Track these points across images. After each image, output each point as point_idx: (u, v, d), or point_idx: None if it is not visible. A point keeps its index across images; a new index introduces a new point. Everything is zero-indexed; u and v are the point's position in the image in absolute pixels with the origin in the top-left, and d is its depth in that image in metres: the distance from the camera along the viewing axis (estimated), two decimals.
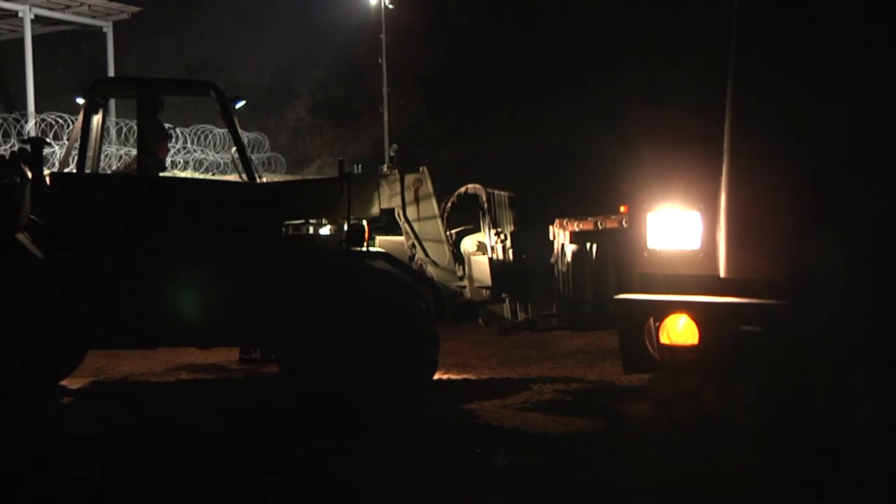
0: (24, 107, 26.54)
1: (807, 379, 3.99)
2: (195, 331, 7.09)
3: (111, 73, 29.45)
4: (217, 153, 29.34)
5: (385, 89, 29.75)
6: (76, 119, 8.10)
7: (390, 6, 31.56)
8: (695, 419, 4.34)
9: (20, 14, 26.78)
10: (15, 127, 25.27)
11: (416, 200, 7.77)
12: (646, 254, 4.31)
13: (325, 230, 7.91)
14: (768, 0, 4.13)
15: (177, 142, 28.12)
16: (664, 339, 4.09)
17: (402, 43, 31.51)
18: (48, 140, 7.35)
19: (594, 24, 24.93)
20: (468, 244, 8.04)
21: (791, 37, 4.01)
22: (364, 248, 7.36)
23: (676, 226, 4.23)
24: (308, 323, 6.83)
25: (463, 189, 8.30)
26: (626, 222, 6.94)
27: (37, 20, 27.58)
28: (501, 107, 27.91)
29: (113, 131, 27.83)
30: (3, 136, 25.24)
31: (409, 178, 7.80)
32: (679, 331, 4.05)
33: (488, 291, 7.80)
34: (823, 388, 3.97)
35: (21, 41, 27.29)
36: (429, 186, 7.78)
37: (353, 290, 6.95)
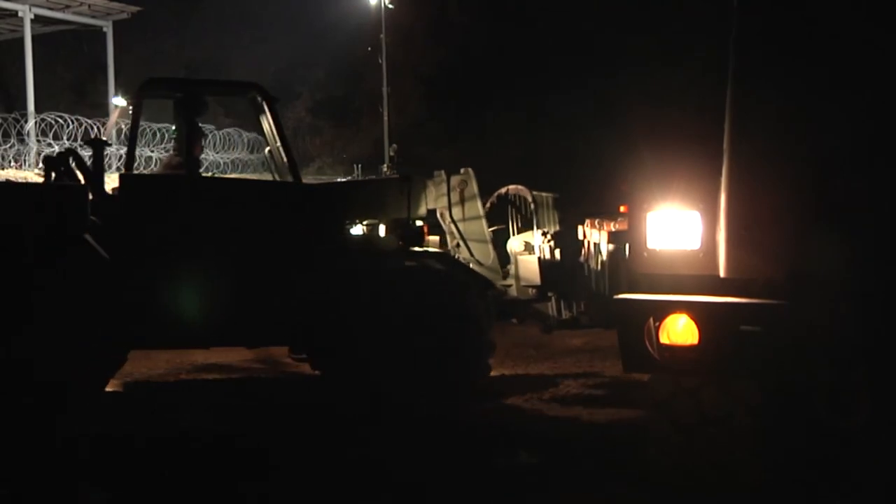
0: (24, 107, 26.53)
1: (807, 379, 3.99)
2: (246, 331, 7.10)
3: (111, 73, 29.47)
4: (217, 153, 29.35)
5: (385, 89, 29.74)
6: (108, 119, 8.13)
7: (390, 6, 31.55)
8: (695, 419, 4.34)
9: (20, 14, 26.77)
10: (15, 127, 25.27)
11: (461, 201, 7.93)
12: (646, 254, 4.31)
13: (380, 230, 7.92)
14: (768, 0, 4.13)
15: None
16: (664, 339, 4.09)
17: (402, 43, 31.52)
18: (106, 140, 7.21)
19: (594, 24, 24.92)
20: (515, 244, 8.19)
21: (791, 37, 4.01)
22: (424, 249, 7.41)
23: (676, 226, 4.22)
24: (362, 324, 6.82)
25: (503, 190, 8.48)
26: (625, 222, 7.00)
27: (37, 20, 27.57)
28: (501, 106, 27.93)
29: (112, 131, 27.84)
30: (3, 136, 25.25)
31: (455, 180, 7.96)
32: (679, 331, 4.05)
33: (534, 290, 7.91)
34: (823, 388, 3.97)
35: (21, 41, 27.29)
36: (473, 187, 7.94)
37: (411, 291, 6.94)
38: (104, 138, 8.19)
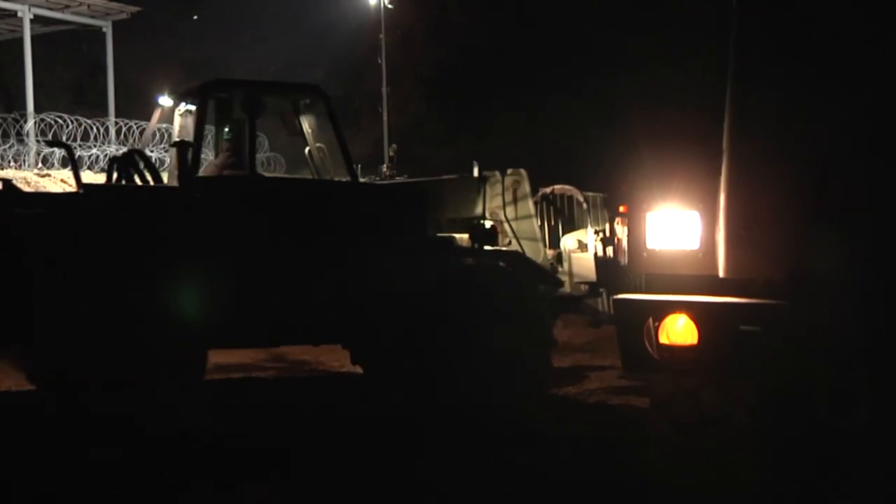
0: (24, 107, 26.53)
1: (807, 379, 3.99)
2: (318, 330, 7.14)
3: (110, 73, 29.47)
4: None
5: (385, 89, 29.75)
6: (150, 121, 8.22)
7: (390, 6, 31.54)
8: (695, 419, 4.33)
9: (20, 14, 26.77)
10: (14, 127, 25.27)
11: (514, 200, 8.10)
12: (645, 254, 4.31)
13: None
14: (768, 0, 4.13)
15: None
16: (664, 339, 4.09)
17: (402, 43, 31.52)
18: (187, 140, 7.18)
19: (594, 24, 24.92)
20: (568, 242, 8.45)
21: (791, 37, 4.01)
22: (496, 248, 7.51)
23: (676, 226, 4.22)
24: (433, 323, 6.86)
25: (548, 189, 8.69)
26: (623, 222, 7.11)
27: (36, 20, 27.57)
28: (501, 106, 27.94)
29: (112, 131, 27.84)
30: (3, 136, 25.25)
31: (508, 180, 8.16)
32: (678, 331, 4.05)
33: (586, 286, 8.10)
34: (823, 388, 3.96)
35: (21, 41, 27.28)
36: (526, 187, 8.17)
37: (483, 291, 7.01)
38: (145, 138, 8.28)
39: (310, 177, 8.01)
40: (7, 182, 6.96)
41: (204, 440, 6.07)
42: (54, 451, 5.84)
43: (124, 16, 29.53)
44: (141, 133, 27.62)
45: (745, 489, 4.19)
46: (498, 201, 8.07)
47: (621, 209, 7.42)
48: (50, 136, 25.21)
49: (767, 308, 3.93)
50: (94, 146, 26.48)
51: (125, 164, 7.26)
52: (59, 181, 24.27)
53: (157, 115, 8.18)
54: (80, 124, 25.97)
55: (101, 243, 6.45)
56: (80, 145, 25.92)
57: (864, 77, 3.87)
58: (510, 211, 8.10)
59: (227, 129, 7.52)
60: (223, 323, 6.67)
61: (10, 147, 25.20)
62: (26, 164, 25.48)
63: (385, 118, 29.41)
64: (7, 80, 33.61)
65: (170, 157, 7.44)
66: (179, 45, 37.12)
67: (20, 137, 25.48)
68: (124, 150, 7.24)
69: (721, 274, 4.06)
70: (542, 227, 8.59)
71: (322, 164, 7.77)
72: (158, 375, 6.43)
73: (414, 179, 8.73)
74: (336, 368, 9.07)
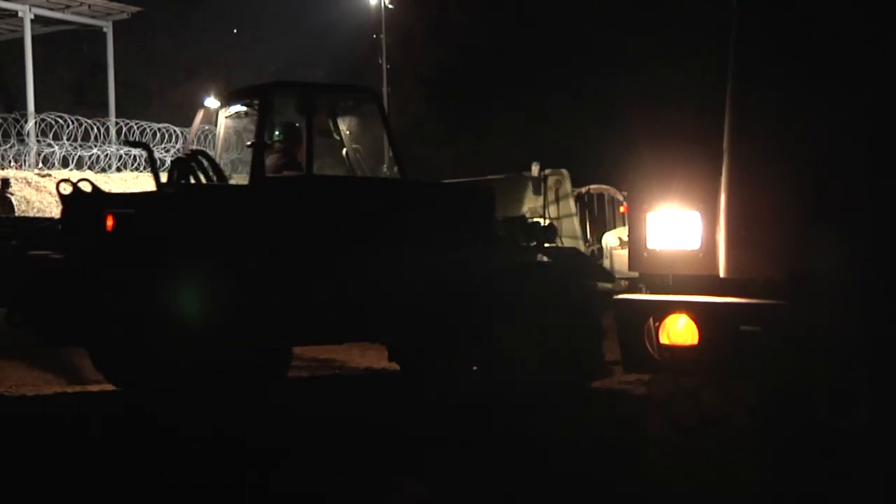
0: (24, 107, 26.55)
1: (807, 379, 3.99)
2: (384, 327, 7.35)
3: (111, 73, 29.50)
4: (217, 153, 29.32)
5: (385, 89, 29.74)
6: (194, 123, 8.32)
7: (390, 6, 31.54)
8: (695, 419, 4.33)
9: (20, 14, 26.80)
10: (15, 127, 25.27)
11: (556, 200, 8.29)
12: (646, 254, 4.31)
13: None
14: (768, 0, 4.13)
15: (176, 141, 28.15)
16: (664, 339, 4.09)
17: (402, 43, 31.51)
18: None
19: (594, 24, 24.93)
20: (610, 239, 8.69)
21: (791, 37, 4.01)
22: (554, 245, 7.71)
23: (676, 226, 4.22)
24: (493, 318, 6.99)
25: (584, 189, 8.92)
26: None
27: (37, 20, 27.59)
28: (501, 106, 27.94)
29: (113, 131, 27.84)
30: (3, 136, 25.25)
31: (551, 179, 8.42)
32: (679, 331, 4.05)
33: (626, 282, 8.31)
34: (823, 388, 3.96)
35: (21, 41, 27.31)
36: (567, 186, 8.41)
37: (542, 287, 7.18)
38: (190, 139, 8.37)
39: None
40: (89, 182, 7.26)
41: (205, 439, 6.07)
42: (56, 451, 5.85)
43: (125, 16, 29.55)
44: (141, 133, 27.62)
45: (745, 489, 4.18)
46: (541, 200, 8.29)
47: (622, 209, 7.51)
48: (50, 136, 25.24)
49: (768, 308, 3.93)
50: (95, 146, 26.48)
51: (189, 164, 7.32)
52: (60, 181, 24.28)
53: (199, 116, 8.30)
54: (80, 124, 25.98)
55: (197, 240, 6.59)
56: (80, 145, 25.96)
57: (864, 77, 3.87)
58: (552, 210, 8.37)
59: (282, 130, 7.66)
60: (309, 319, 6.85)
61: (10, 147, 25.21)
62: (27, 164, 25.49)
63: None
64: (7, 80, 33.62)
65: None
66: (179, 45, 37.11)
67: (21, 137, 25.49)
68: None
69: (721, 274, 4.06)
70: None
71: (357, 165, 7.95)
72: (251, 371, 6.58)
73: (466, 180, 8.95)
74: (361, 367, 9.14)
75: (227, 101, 8.19)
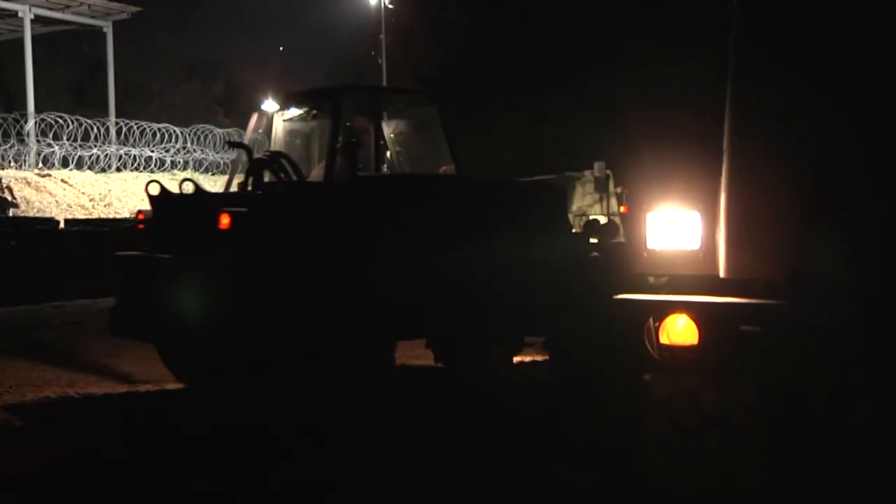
0: (24, 107, 26.57)
1: (807, 379, 3.99)
2: (490, 326, 7.46)
3: (111, 73, 29.52)
4: (217, 153, 29.37)
5: None
6: (249, 126, 8.45)
7: (390, 6, 31.55)
8: (695, 419, 4.33)
9: (20, 14, 26.82)
10: (15, 127, 25.29)
11: (601, 199, 8.49)
12: (646, 254, 4.31)
13: None
14: (768, 0, 4.13)
15: (176, 141, 28.17)
16: (664, 339, 4.09)
17: (402, 43, 31.51)
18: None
19: (594, 24, 24.93)
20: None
21: (791, 37, 4.01)
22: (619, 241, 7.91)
23: (676, 226, 4.22)
24: (577, 314, 7.09)
25: (617, 189, 9.07)
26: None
27: (37, 20, 27.61)
28: (501, 106, 27.94)
29: (113, 131, 27.85)
30: (3, 136, 25.26)
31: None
32: (679, 331, 4.05)
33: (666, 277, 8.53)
34: (823, 388, 3.97)
35: (21, 41, 27.33)
36: (611, 186, 8.51)
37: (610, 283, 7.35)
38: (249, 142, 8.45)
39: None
40: (193, 182, 7.34)
41: (206, 438, 6.07)
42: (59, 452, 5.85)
43: (125, 16, 29.57)
44: (142, 133, 27.63)
45: (745, 489, 4.19)
46: (588, 199, 8.45)
47: (622, 210, 7.55)
48: (50, 136, 25.26)
49: (767, 308, 3.94)
50: (95, 146, 26.49)
51: (272, 164, 7.42)
52: (60, 181, 24.31)
53: (254, 119, 8.38)
54: (80, 124, 26.00)
55: (308, 236, 6.78)
56: (80, 145, 25.97)
57: (864, 77, 3.87)
58: (598, 209, 8.58)
59: (345, 132, 7.82)
60: (408, 314, 7.00)
61: (10, 147, 25.22)
62: (27, 164, 25.50)
63: None
64: (7, 80, 33.63)
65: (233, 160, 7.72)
66: (179, 45, 37.11)
67: (21, 137, 25.50)
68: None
69: (721, 274, 4.06)
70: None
71: (400, 167, 8.09)
72: (357, 363, 6.80)
73: (525, 179, 9.15)
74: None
75: (285, 104, 8.33)
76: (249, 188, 7.46)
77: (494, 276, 7.25)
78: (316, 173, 7.66)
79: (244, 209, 6.64)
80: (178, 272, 6.83)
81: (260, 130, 8.39)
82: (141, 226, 7.64)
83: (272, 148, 8.07)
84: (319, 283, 6.65)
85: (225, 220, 6.52)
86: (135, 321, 7.29)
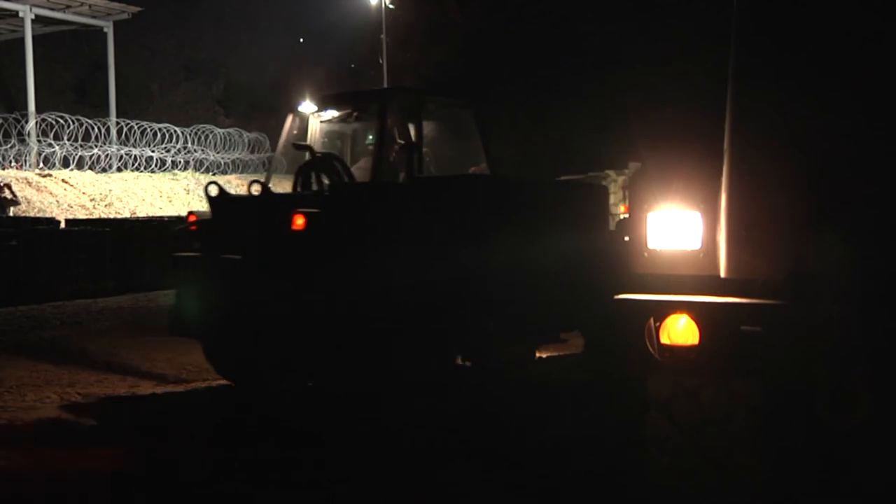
0: (25, 107, 26.56)
1: (807, 379, 3.99)
2: (536, 322, 7.68)
3: (111, 73, 29.52)
4: (217, 153, 29.38)
5: None
6: (284, 128, 8.54)
7: (390, 6, 31.55)
8: (695, 419, 4.34)
9: (20, 14, 26.82)
10: (15, 127, 25.28)
11: (625, 198, 8.64)
12: (646, 254, 4.31)
13: None
14: (768, 0, 4.13)
15: (177, 141, 28.17)
16: (664, 339, 4.09)
17: (402, 43, 31.51)
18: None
19: (595, 24, 24.93)
20: None
21: (791, 36, 4.01)
22: None
23: (676, 226, 4.22)
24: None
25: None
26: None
27: (37, 20, 27.62)
28: (501, 107, 27.93)
29: (113, 131, 27.85)
30: (4, 136, 25.26)
31: (622, 179, 8.69)
32: (679, 331, 4.05)
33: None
34: (823, 388, 3.97)
35: (21, 41, 27.33)
36: None
37: None
38: (282, 144, 8.53)
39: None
40: (260, 183, 7.46)
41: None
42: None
43: (125, 16, 29.57)
44: (142, 133, 27.63)
45: (745, 489, 4.19)
46: (612, 199, 8.51)
47: (622, 210, 7.56)
48: (51, 136, 25.26)
49: (768, 308, 3.94)
50: (95, 146, 26.50)
51: (324, 165, 7.51)
52: (60, 181, 24.31)
53: (290, 121, 8.44)
54: (80, 124, 25.99)
55: (378, 233, 6.93)
56: (80, 145, 25.97)
57: (865, 77, 3.87)
58: (622, 208, 8.69)
59: (370, 136, 8.08)
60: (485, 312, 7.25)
61: (11, 147, 25.22)
62: (27, 164, 25.50)
63: None
64: (7, 80, 33.62)
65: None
66: (179, 45, 37.11)
67: (21, 137, 25.50)
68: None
69: (722, 274, 4.06)
70: None
71: (426, 168, 8.13)
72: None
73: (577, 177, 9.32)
74: None
75: (324, 106, 8.43)
76: (299, 189, 7.61)
77: (546, 272, 7.43)
78: (358, 174, 7.76)
79: (316, 210, 6.75)
80: (250, 273, 6.93)
81: (294, 132, 8.46)
82: (193, 227, 7.71)
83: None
84: (410, 281, 6.82)
85: (299, 221, 6.64)
86: (196, 321, 7.37)
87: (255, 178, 7.67)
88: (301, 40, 33.33)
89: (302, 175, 7.59)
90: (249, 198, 7.66)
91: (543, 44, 27.34)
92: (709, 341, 4.00)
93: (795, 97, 3.97)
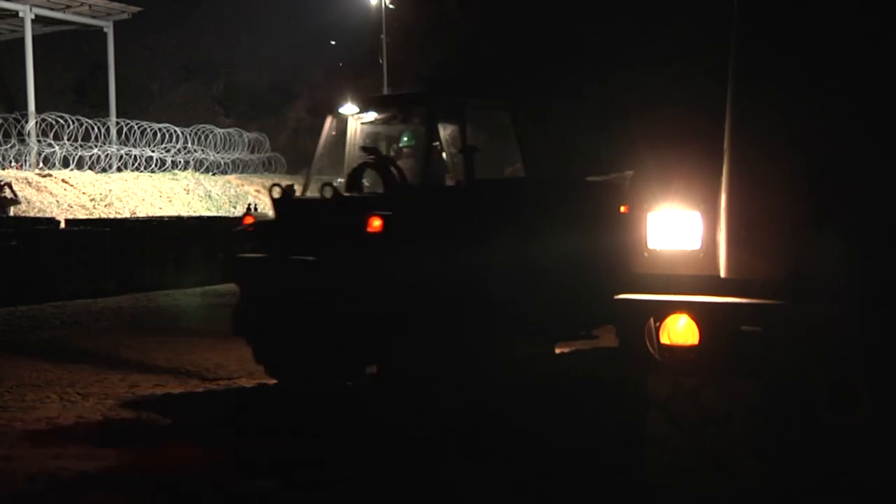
0: (25, 107, 26.56)
1: (807, 379, 3.99)
2: (576, 322, 7.91)
3: (111, 73, 29.51)
4: (217, 153, 29.38)
5: (385, 89, 29.74)
6: (323, 130, 8.52)
7: (390, 6, 31.56)
8: (695, 419, 4.34)
9: (20, 14, 26.82)
10: (15, 127, 25.29)
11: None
12: (646, 254, 4.31)
13: None
14: (768, 0, 4.13)
15: (177, 141, 28.17)
16: (664, 339, 4.09)
17: (402, 43, 31.52)
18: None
19: (595, 24, 24.93)
20: None
21: (791, 36, 4.01)
22: None
23: (677, 226, 4.22)
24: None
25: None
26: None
27: (37, 20, 27.61)
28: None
29: (113, 131, 27.85)
30: (4, 136, 25.26)
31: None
32: (679, 331, 4.05)
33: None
34: (823, 388, 3.97)
35: (21, 41, 27.32)
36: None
37: None
38: (321, 147, 8.57)
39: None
40: (332, 186, 7.44)
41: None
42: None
43: (125, 16, 29.56)
44: (142, 133, 27.63)
45: (745, 489, 4.19)
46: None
47: (622, 210, 7.53)
48: (51, 136, 25.26)
49: (768, 308, 3.94)
50: (95, 146, 26.50)
51: (379, 168, 7.59)
52: (60, 181, 24.30)
53: (329, 122, 8.50)
54: (80, 124, 25.99)
55: (451, 234, 7.12)
56: (80, 145, 25.97)
57: (865, 76, 3.87)
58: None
59: (412, 136, 8.13)
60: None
61: (11, 147, 25.22)
62: (27, 164, 25.50)
63: None
64: (7, 80, 33.62)
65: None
66: (179, 45, 37.11)
67: (21, 137, 25.50)
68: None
69: (722, 274, 4.06)
70: None
71: (452, 169, 8.24)
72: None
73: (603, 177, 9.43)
74: None
75: (365, 108, 8.49)
76: (355, 190, 7.70)
77: (582, 269, 7.54)
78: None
79: (390, 212, 6.89)
80: (326, 273, 6.99)
81: (333, 133, 8.51)
82: (251, 229, 7.77)
83: (348, 151, 8.35)
84: (476, 278, 7.01)
85: (376, 223, 6.76)
86: (260, 320, 7.46)
87: (327, 181, 7.68)
88: (301, 41, 33.31)
89: (354, 176, 7.73)
90: (321, 200, 7.59)
91: (543, 44, 27.33)
92: (709, 341, 4.00)
93: (795, 97, 3.97)
